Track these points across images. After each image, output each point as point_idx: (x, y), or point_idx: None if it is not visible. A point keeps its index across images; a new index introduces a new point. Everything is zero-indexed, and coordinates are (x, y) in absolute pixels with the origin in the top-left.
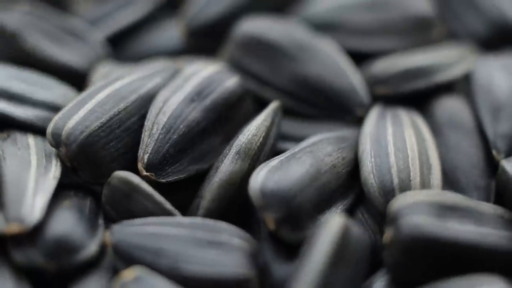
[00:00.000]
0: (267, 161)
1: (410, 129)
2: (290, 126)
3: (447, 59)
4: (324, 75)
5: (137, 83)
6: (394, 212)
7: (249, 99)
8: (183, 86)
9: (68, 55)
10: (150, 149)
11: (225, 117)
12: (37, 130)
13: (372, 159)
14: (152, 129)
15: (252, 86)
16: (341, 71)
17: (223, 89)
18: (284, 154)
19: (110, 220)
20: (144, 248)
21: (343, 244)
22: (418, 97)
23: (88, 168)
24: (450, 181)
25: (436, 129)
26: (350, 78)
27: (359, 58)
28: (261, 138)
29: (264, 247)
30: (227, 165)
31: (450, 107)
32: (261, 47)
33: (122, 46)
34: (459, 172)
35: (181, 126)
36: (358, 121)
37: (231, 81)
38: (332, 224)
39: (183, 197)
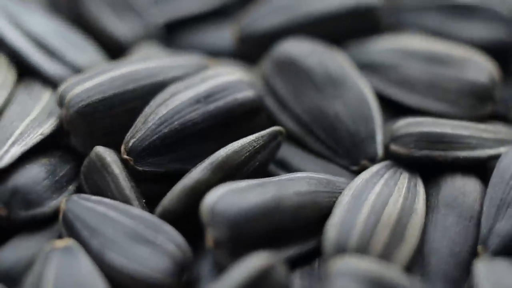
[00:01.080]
0: (236, 181)
1: (401, 197)
2: (292, 155)
3: (479, 135)
4: (344, 116)
5: (157, 70)
6: (330, 272)
7: (264, 115)
8: (197, 85)
9: (121, 28)
10: (139, 135)
11: (226, 126)
12: (56, 87)
13: (343, 213)
14: (148, 116)
15: (271, 105)
16: (364, 117)
17: (232, 98)
18: (259, 179)
19: (81, 190)
20: (85, 223)
21: (255, 282)
22: (436, 166)
23: (79, 136)
24: (421, 263)
25: (436, 205)
26: (371, 127)
27: (397, 110)
28: (243, 157)
29: (202, 263)
30: (197, 172)
31: (460, 187)
32: (292, 70)
33: (176, 33)
34: (434, 256)
35: (176, 123)
36: (359, 172)
37: (245, 93)
38: (253, 261)
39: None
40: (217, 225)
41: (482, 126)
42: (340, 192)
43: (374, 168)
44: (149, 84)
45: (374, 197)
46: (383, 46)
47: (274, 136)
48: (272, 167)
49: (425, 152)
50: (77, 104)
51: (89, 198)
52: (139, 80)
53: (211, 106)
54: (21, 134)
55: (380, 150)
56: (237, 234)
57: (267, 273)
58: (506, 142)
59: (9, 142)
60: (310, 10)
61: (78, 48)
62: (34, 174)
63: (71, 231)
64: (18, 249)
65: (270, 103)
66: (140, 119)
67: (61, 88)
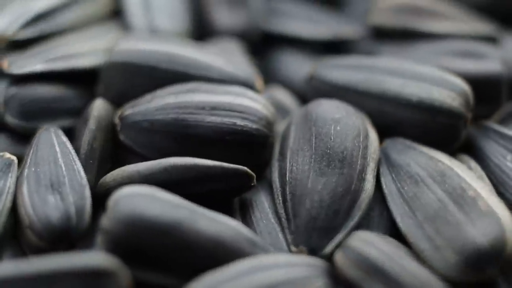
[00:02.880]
0: (161, 190)
1: None
2: None
3: None
4: None
5: (200, 64)
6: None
7: (258, 155)
8: (215, 94)
9: (226, 18)
10: (138, 109)
11: (211, 143)
12: None
13: None
14: (156, 98)
15: None
16: None
17: (231, 122)
18: (185, 201)
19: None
20: None
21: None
22: None
23: (106, 84)
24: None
25: None
26: None
27: None
28: (192, 175)
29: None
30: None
31: None
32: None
33: (270, 44)
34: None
35: (171, 116)
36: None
37: (247, 124)
38: (96, 257)
39: None
40: (113, 216)
41: None
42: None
43: None
44: (182, 72)
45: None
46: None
47: (237, 173)
48: None
49: None
50: (122, 57)
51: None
52: (178, 64)
53: (208, 118)
54: (63, 56)
55: None
56: (124, 237)
57: (101, 275)
58: None
59: (46, 57)
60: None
61: (172, 16)
62: (40, 92)
63: None
64: None
65: None
66: (148, 96)
67: (120, 39)
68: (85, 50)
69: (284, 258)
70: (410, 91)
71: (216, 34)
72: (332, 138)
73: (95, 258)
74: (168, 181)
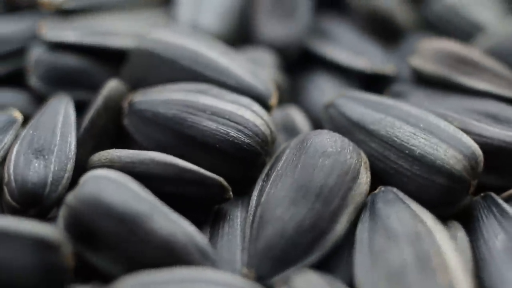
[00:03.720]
0: (132, 179)
1: None
2: None
3: None
4: None
5: (222, 70)
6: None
7: (244, 169)
8: (221, 101)
9: (274, 30)
10: (147, 98)
11: (201, 147)
12: None
13: None
14: (166, 91)
15: None
16: None
17: (224, 131)
18: (151, 196)
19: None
20: None
21: None
22: None
23: (132, 67)
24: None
25: None
26: None
27: None
28: (171, 172)
29: None
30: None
31: None
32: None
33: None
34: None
35: (171, 112)
36: None
37: (240, 136)
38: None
39: None
40: (77, 193)
41: None
42: None
43: None
44: (200, 72)
45: None
46: None
47: (212, 182)
48: None
49: None
50: (149, 45)
51: None
52: (198, 64)
53: (205, 122)
54: (98, 32)
55: None
56: (81, 215)
57: (43, 245)
58: None
59: (83, 30)
60: None
61: (218, 16)
62: (68, 61)
63: None
64: None
65: None
66: (160, 87)
67: (154, 27)
68: (122, 30)
69: (221, 277)
70: (416, 142)
71: (256, 42)
72: (316, 170)
73: (42, 228)
74: (145, 173)
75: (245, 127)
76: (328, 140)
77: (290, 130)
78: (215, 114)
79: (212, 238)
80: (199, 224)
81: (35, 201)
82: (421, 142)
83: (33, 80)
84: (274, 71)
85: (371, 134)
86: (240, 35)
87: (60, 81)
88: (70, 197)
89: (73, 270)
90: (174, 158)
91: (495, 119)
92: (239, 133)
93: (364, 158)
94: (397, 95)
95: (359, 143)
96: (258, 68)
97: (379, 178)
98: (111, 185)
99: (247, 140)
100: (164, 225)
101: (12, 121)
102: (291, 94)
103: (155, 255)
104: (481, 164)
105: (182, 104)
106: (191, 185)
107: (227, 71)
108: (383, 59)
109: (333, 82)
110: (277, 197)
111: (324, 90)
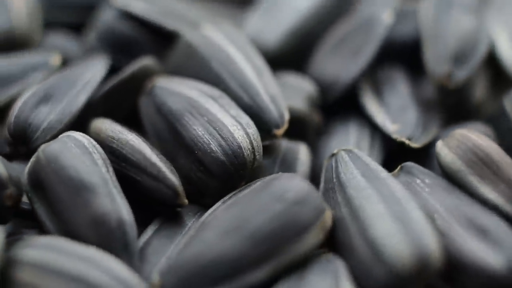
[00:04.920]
0: None
1: None
2: None
3: None
4: None
5: (242, 80)
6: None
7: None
8: (223, 109)
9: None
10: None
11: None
12: None
13: None
14: (186, 83)
15: None
16: None
17: (207, 141)
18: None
19: None
20: None
21: None
22: None
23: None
24: None
25: None
26: None
27: None
28: None
29: None
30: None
31: None
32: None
33: None
34: None
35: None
36: None
37: (217, 152)
38: None
39: None
40: (44, 146)
41: None
42: None
43: None
44: (224, 80)
45: None
46: None
47: (168, 183)
48: None
49: None
50: (193, 39)
51: None
52: (226, 72)
53: (196, 126)
54: (166, 12)
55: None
56: (37, 165)
57: None
58: None
59: (153, 6)
60: None
61: (281, 34)
62: (126, 28)
63: None
64: None
65: None
66: (182, 79)
67: (210, 24)
68: (186, 16)
69: (118, 271)
70: (379, 224)
71: (308, 71)
72: (263, 210)
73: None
74: (118, 151)
75: (228, 145)
76: (294, 187)
77: (287, 164)
78: (210, 122)
79: (153, 237)
80: (152, 218)
81: (23, 140)
82: (383, 226)
83: (91, 37)
84: (306, 102)
85: (348, 199)
86: (297, 58)
87: (114, 45)
88: (42, 147)
89: (12, 211)
90: (146, 147)
91: (485, 235)
92: (219, 148)
93: (325, 219)
94: (407, 172)
95: (335, 204)
96: (283, 94)
97: (334, 244)
98: (75, 150)
99: (222, 158)
100: (103, 204)
101: (45, 63)
102: (317, 129)
103: (83, 228)
104: (432, 271)
105: (189, 102)
106: (151, 179)
107: (248, 86)
108: (418, 128)
109: (361, 131)
110: (218, 221)
111: (349, 138)
